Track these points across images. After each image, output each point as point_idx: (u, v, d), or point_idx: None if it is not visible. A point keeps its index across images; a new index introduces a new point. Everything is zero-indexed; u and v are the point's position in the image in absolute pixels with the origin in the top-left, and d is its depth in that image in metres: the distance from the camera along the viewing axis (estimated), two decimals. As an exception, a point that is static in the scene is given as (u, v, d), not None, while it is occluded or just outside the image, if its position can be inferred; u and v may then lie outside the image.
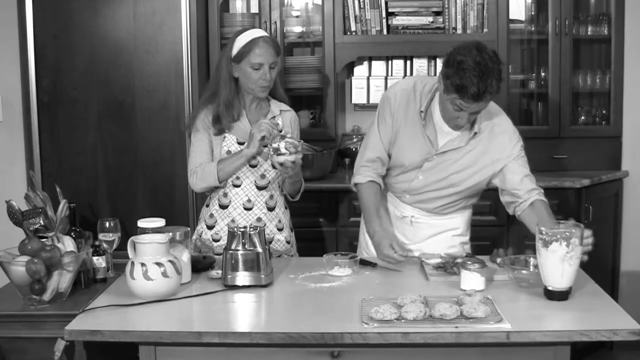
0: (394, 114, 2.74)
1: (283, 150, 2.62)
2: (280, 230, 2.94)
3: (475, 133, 2.68)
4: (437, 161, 2.72)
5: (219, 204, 2.90)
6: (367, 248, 2.91)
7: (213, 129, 2.85)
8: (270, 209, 2.92)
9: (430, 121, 2.71)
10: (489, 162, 2.70)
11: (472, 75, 2.42)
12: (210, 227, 2.93)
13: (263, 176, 2.89)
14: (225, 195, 2.89)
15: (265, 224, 2.89)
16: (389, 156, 2.80)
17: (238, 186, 2.88)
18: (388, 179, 2.85)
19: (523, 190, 2.67)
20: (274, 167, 2.86)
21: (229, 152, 2.85)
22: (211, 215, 2.93)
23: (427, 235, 2.85)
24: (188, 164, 2.89)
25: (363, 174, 2.80)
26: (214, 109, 2.86)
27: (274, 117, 2.93)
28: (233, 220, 2.87)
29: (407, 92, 2.74)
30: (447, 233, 2.86)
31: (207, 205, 2.97)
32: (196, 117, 2.89)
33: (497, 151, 2.69)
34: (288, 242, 2.97)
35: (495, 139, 2.69)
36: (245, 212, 2.88)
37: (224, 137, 2.86)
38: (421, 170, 2.75)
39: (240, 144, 2.85)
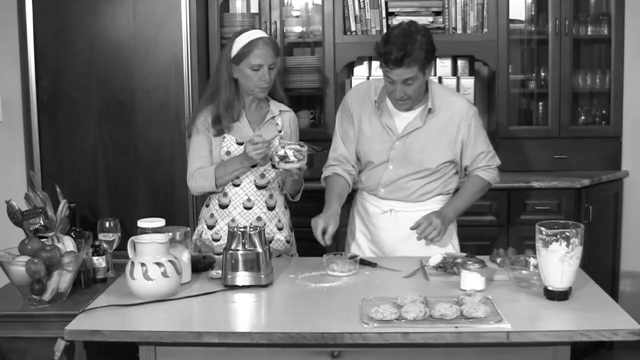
0: (352, 112, 2.93)
1: (291, 158, 2.65)
2: (280, 229, 2.95)
3: (430, 109, 2.81)
4: (401, 147, 2.84)
5: (219, 204, 2.91)
6: (357, 249, 2.98)
7: (213, 130, 2.85)
8: (270, 209, 2.92)
9: (386, 110, 2.87)
10: (452, 140, 2.84)
11: (394, 41, 2.64)
12: (210, 227, 2.93)
13: (263, 175, 2.89)
14: (225, 194, 2.90)
15: (265, 224, 2.89)
16: (358, 157, 2.95)
17: (238, 185, 2.88)
18: (360, 177, 2.96)
19: (472, 167, 2.92)
20: (274, 167, 2.86)
21: (228, 152, 2.85)
22: (211, 215, 2.93)
23: (409, 231, 2.85)
24: (188, 167, 2.90)
25: (329, 170, 2.99)
26: (213, 109, 2.86)
27: (273, 117, 2.94)
28: (233, 220, 2.88)
29: (362, 91, 2.94)
30: None
31: (207, 205, 2.97)
32: (196, 118, 2.89)
33: (454, 131, 2.84)
34: (288, 242, 2.98)
35: (451, 119, 2.84)
36: (245, 211, 2.89)
37: (224, 138, 2.87)
38: (389, 161, 2.85)
39: (240, 144, 2.85)
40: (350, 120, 2.94)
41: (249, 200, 2.88)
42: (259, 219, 2.89)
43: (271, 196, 2.92)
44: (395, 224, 2.88)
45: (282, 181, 2.95)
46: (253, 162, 2.75)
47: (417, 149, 2.83)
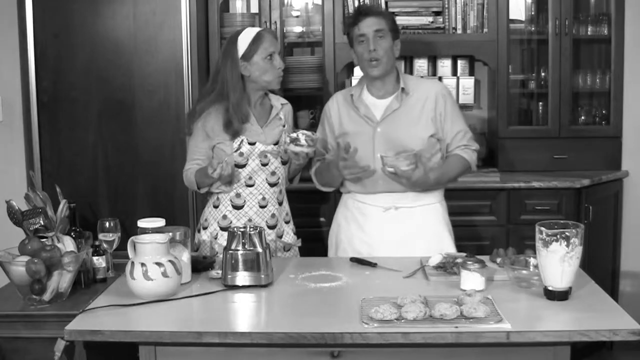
0: (332, 119, 3.02)
1: (302, 142, 2.76)
2: (287, 222, 3.02)
3: (403, 89, 2.92)
4: (383, 133, 2.91)
5: (232, 205, 2.92)
6: (341, 248, 3.01)
7: (226, 135, 2.85)
8: (280, 204, 2.98)
9: (362, 103, 2.97)
10: (431, 116, 2.93)
11: (359, 6, 2.94)
12: (224, 229, 2.91)
13: (273, 173, 2.93)
14: (238, 195, 2.91)
15: (277, 220, 2.95)
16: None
17: (252, 185, 2.91)
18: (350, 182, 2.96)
19: (453, 145, 2.98)
20: (283, 164, 2.93)
21: (241, 153, 2.87)
22: (224, 217, 2.93)
23: (412, 227, 2.90)
24: (185, 164, 2.97)
25: (315, 164, 3.07)
26: (224, 113, 2.85)
27: (277, 113, 2.97)
28: (250, 220, 2.89)
29: (339, 96, 3.06)
30: (430, 227, 2.94)
31: (217, 207, 2.96)
32: (200, 118, 2.88)
33: (432, 106, 2.93)
34: (295, 234, 3.05)
35: (427, 96, 2.94)
36: (260, 210, 2.92)
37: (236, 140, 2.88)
38: (375, 149, 2.89)
39: (251, 144, 2.88)
40: (330, 130, 3.01)
41: (263, 199, 2.92)
42: (272, 216, 2.93)
43: (280, 191, 2.98)
44: (399, 223, 2.89)
45: (287, 167, 3.00)
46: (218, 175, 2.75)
47: (399, 131, 2.89)
